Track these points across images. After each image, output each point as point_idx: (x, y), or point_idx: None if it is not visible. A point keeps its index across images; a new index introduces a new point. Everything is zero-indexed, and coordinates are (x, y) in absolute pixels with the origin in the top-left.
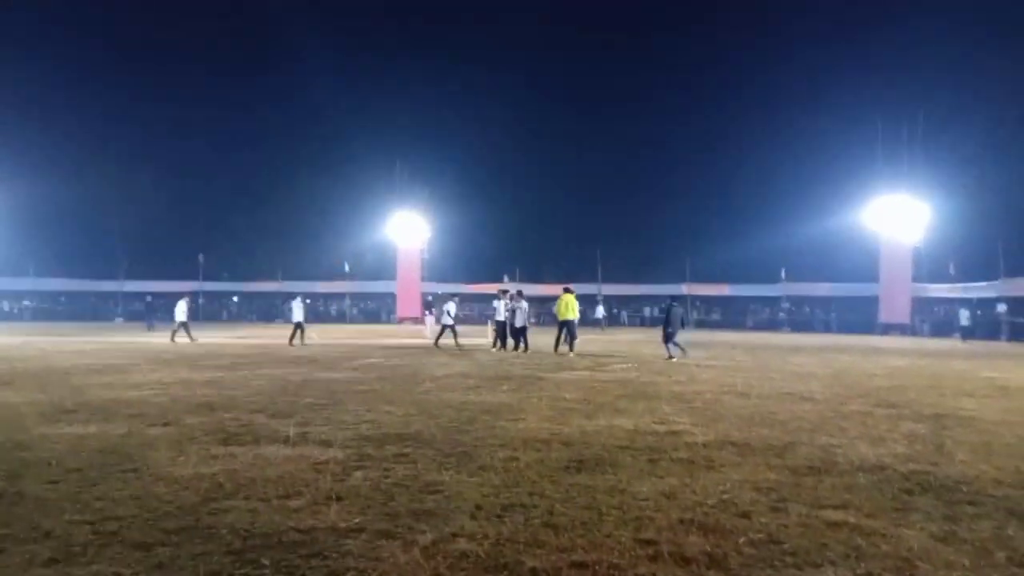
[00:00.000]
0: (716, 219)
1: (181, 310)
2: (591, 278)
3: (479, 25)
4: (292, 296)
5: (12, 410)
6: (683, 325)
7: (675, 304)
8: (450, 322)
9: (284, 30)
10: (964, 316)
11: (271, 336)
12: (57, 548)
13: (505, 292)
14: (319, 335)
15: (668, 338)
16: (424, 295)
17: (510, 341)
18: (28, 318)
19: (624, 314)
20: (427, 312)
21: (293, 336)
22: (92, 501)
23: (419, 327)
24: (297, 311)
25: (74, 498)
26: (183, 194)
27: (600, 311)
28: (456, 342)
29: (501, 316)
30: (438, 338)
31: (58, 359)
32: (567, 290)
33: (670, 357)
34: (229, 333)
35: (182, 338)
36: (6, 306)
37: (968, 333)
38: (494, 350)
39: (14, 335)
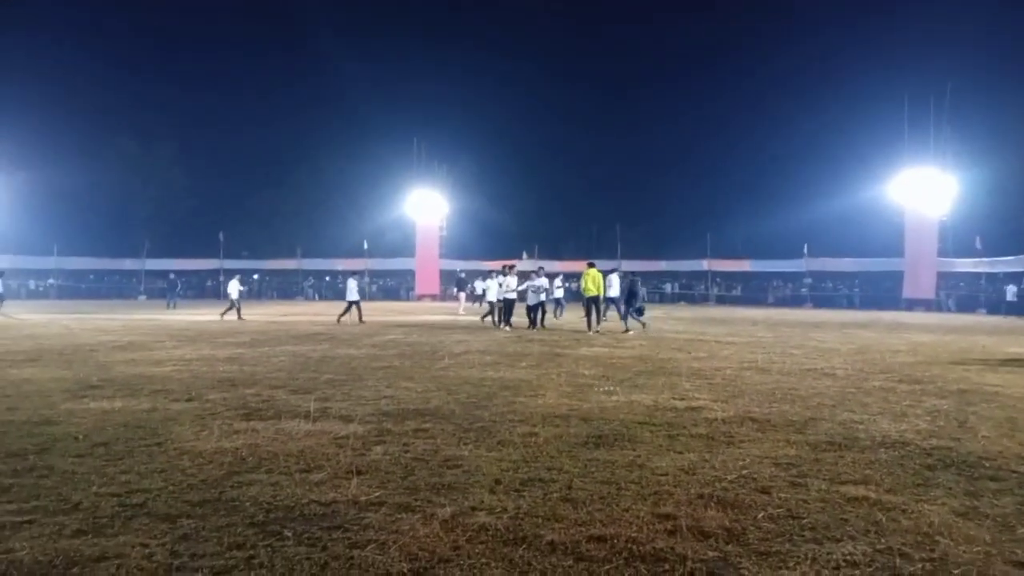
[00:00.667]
0: (737, 194)
1: (235, 288)
2: (611, 254)
3: (499, 4)
4: (352, 274)
5: (39, 386)
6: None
7: (637, 279)
8: (493, 298)
9: (304, 10)
10: (1011, 292)
11: (293, 313)
12: (85, 520)
13: (512, 267)
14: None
15: (639, 312)
16: (457, 272)
17: (516, 318)
18: (53, 296)
19: (643, 291)
20: (459, 290)
21: (346, 312)
22: (118, 474)
23: (437, 304)
24: (352, 289)
25: (100, 471)
26: (203, 173)
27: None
28: (484, 318)
29: (511, 294)
30: (487, 316)
31: (83, 336)
32: (591, 265)
33: (627, 331)
34: (249, 311)
35: (231, 316)
36: (32, 284)
37: (1013, 309)
38: (507, 328)
39: (40, 313)
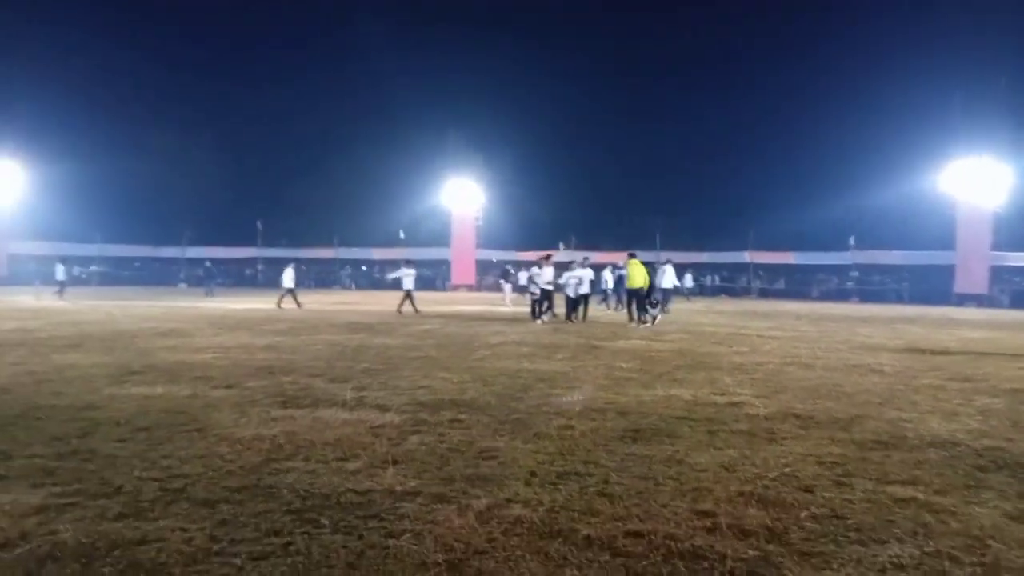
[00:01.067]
0: (782, 184)
1: (288, 277)
2: (650, 245)
3: None
4: (407, 263)
5: (82, 372)
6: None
7: (654, 267)
8: (545, 289)
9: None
10: None
11: (331, 302)
12: (127, 503)
13: (548, 258)
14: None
15: (652, 305)
16: (503, 263)
17: (557, 310)
18: (96, 283)
19: (685, 282)
20: (504, 280)
21: (402, 304)
22: (159, 459)
23: (473, 294)
24: (407, 279)
25: (142, 456)
26: (242, 163)
27: (688, 280)
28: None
29: (548, 285)
30: (540, 311)
31: (125, 323)
32: (632, 256)
33: (653, 320)
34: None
35: (288, 304)
36: (75, 271)
37: None
38: (538, 322)
39: (83, 299)
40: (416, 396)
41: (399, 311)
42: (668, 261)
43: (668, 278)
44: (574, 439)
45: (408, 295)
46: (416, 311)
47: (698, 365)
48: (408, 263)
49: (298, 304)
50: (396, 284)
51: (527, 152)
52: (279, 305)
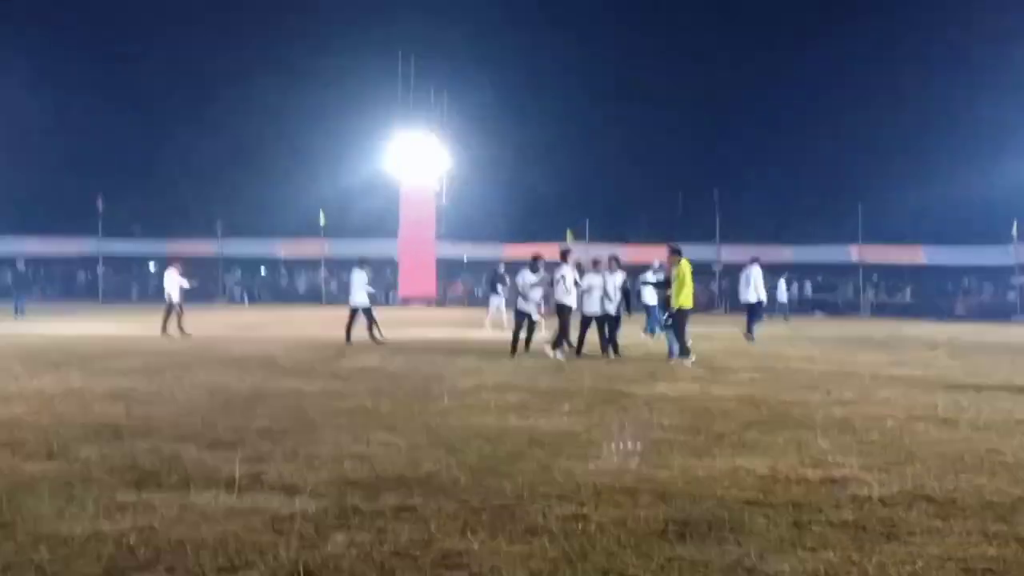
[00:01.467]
0: (906, 148)
1: (173, 282)
2: (705, 236)
3: None
4: (359, 264)
5: None
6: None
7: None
8: (564, 304)
9: None
10: None
11: (211, 324)
12: None
13: (567, 254)
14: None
15: (665, 326)
16: (495, 264)
17: (585, 340)
18: None
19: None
20: (493, 290)
21: (371, 328)
22: None
23: (435, 311)
24: (359, 286)
25: None
26: (69, 115)
27: (782, 291)
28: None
29: (565, 298)
30: (527, 335)
31: None
32: (677, 252)
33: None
34: (137, 319)
35: (172, 323)
36: None
37: None
38: (556, 354)
39: None
40: (343, 471)
41: (373, 339)
42: (755, 260)
43: (757, 287)
44: (589, 536)
45: (362, 314)
46: (348, 340)
47: (779, 421)
48: (362, 263)
49: (164, 328)
50: (311, 296)
51: (518, 94)
52: (163, 330)
